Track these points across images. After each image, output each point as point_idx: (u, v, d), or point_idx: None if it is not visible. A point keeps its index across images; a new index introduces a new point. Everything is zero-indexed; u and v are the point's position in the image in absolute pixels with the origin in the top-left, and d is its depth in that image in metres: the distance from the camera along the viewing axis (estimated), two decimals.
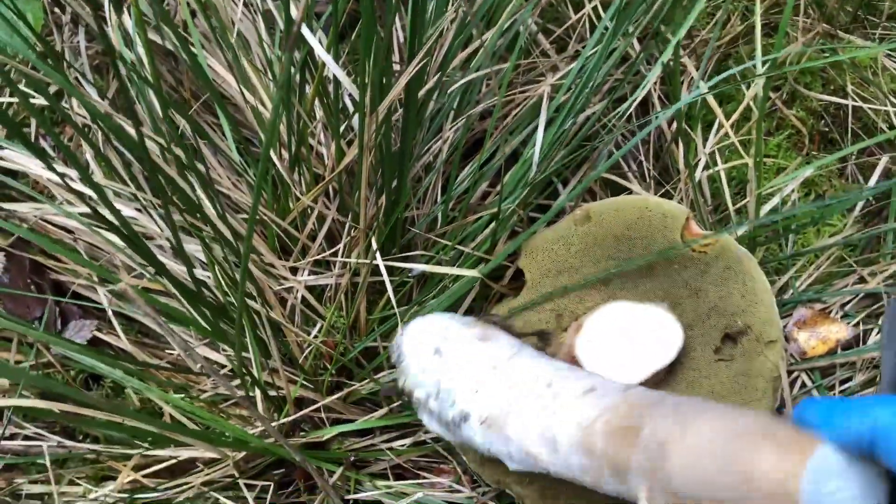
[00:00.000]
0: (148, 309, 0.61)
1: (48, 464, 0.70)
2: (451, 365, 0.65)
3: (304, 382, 0.76)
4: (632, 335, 0.72)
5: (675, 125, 0.91)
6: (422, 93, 0.71)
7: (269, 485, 0.73)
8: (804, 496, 0.44)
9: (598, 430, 0.56)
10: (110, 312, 0.82)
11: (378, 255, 0.72)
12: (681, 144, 0.87)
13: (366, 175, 0.68)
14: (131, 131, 0.70)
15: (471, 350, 0.65)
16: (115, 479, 0.75)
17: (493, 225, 0.77)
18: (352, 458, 0.76)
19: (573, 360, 0.71)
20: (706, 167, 0.89)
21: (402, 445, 0.78)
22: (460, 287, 0.77)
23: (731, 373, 0.74)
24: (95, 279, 0.83)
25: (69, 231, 0.85)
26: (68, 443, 0.76)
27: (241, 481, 0.72)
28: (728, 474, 0.48)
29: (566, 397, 0.60)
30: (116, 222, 0.57)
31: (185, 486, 0.72)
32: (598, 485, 0.58)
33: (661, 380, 0.73)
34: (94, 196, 0.68)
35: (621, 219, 0.79)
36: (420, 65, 0.64)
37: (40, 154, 0.52)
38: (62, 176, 0.57)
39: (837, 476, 0.44)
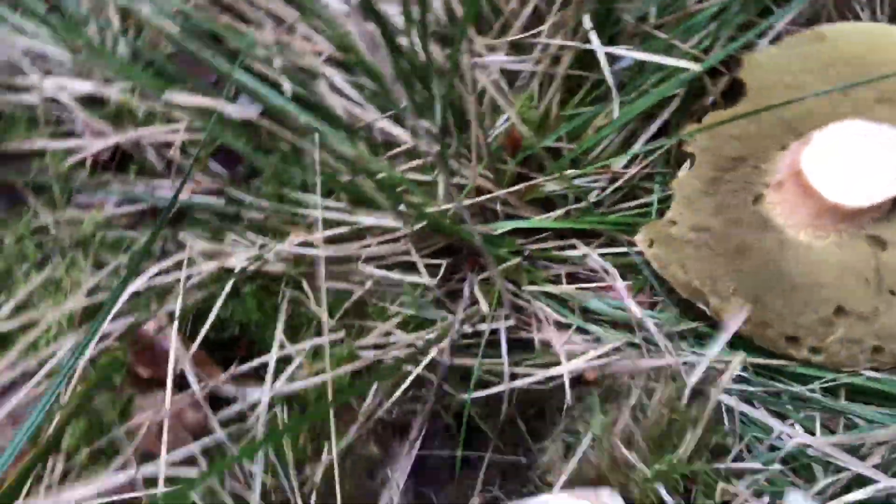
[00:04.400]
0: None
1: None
2: None
3: (484, 172, 0.72)
4: (866, 155, 0.64)
5: None
6: None
7: (441, 264, 0.70)
8: None
9: None
10: (286, 86, 0.78)
11: (594, 32, 0.66)
12: None
13: None
14: None
15: None
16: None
17: (715, 22, 0.69)
18: (526, 252, 0.71)
19: (797, 173, 0.64)
20: None
21: (577, 254, 0.73)
22: (665, 90, 0.70)
23: None
24: (274, 48, 0.79)
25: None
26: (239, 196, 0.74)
27: (415, 257, 0.69)
28: None
29: None
30: None
31: (359, 249, 0.69)
32: None
33: (889, 211, 0.66)
34: None
35: (862, 41, 0.71)
36: None
37: None
38: None
39: None
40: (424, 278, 0.69)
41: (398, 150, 0.75)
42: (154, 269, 0.66)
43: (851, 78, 0.69)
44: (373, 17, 0.58)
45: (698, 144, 0.68)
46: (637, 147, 0.72)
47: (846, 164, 0.64)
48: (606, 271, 0.70)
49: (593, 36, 0.66)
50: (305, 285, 0.73)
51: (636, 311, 0.67)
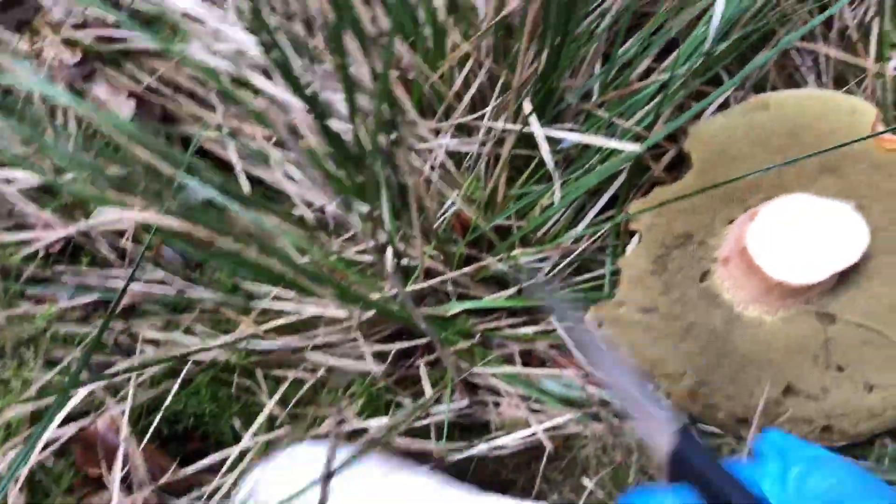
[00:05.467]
0: (296, 147, 0.57)
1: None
2: None
3: (434, 253, 0.72)
4: (811, 230, 0.64)
5: (863, 17, 0.80)
6: None
7: (390, 350, 0.70)
8: None
9: None
10: (238, 167, 0.78)
11: (534, 117, 0.66)
12: (874, 32, 0.77)
13: (532, 19, 0.61)
14: None
15: None
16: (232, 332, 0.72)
17: (657, 99, 0.69)
18: (478, 336, 0.71)
19: (742, 251, 0.64)
20: None
21: (529, 332, 0.73)
22: (610, 167, 0.70)
23: None
24: (226, 131, 0.79)
25: (202, 83, 0.82)
26: (191, 288, 0.74)
27: (362, 345, 0.69)
28: None
29: None
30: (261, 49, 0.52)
31: (307, 340, 0.69)
32: None
33: (837, 283, 0.65)
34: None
35: (805, 109, 0.71)
36: None
37: None
38: None
39: None
40: (371, 366, 0.68)
41: (348, 234, 0.75)
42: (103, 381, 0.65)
43: (795, 148, 0.69)
44: (312, 106, 0.58)
45: (644, 222, 0.68)
46: (582, 227, 0.72)
47: (790, 239, 0.63)
48: (569, 352, 0.70)
49: (533, 120, 0.66)
50: (259, 374, 0.72)
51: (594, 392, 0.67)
